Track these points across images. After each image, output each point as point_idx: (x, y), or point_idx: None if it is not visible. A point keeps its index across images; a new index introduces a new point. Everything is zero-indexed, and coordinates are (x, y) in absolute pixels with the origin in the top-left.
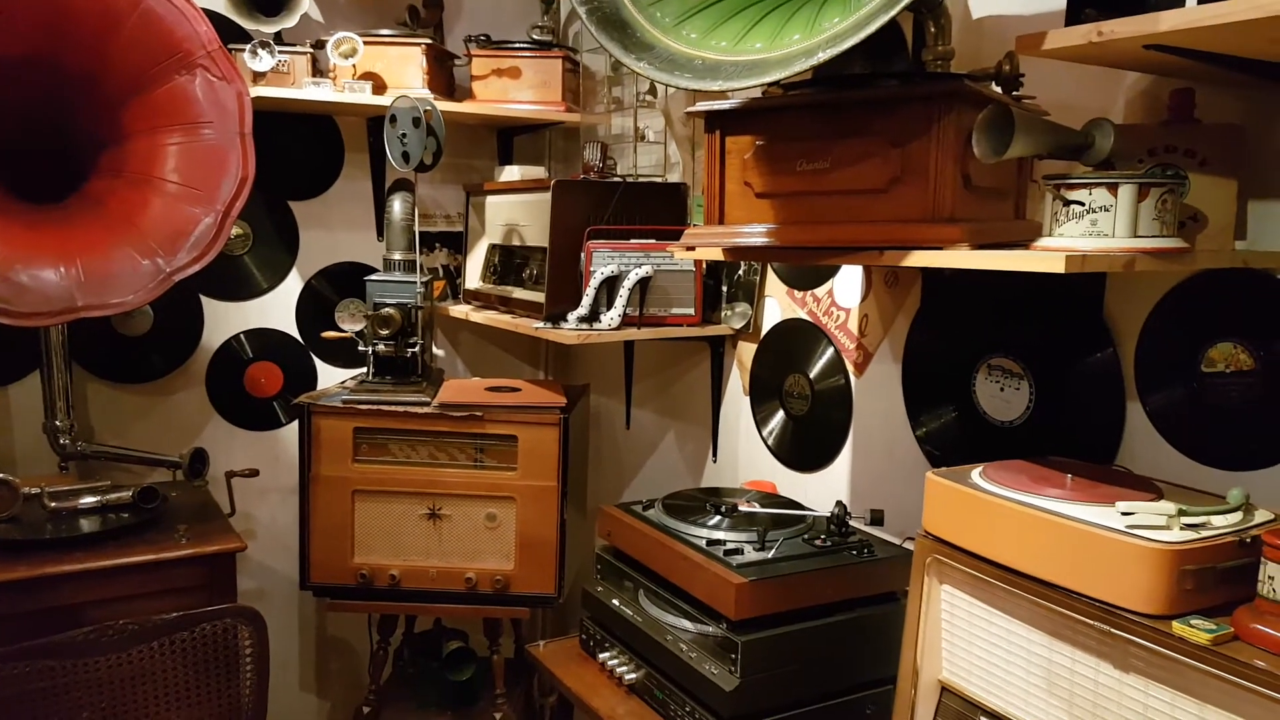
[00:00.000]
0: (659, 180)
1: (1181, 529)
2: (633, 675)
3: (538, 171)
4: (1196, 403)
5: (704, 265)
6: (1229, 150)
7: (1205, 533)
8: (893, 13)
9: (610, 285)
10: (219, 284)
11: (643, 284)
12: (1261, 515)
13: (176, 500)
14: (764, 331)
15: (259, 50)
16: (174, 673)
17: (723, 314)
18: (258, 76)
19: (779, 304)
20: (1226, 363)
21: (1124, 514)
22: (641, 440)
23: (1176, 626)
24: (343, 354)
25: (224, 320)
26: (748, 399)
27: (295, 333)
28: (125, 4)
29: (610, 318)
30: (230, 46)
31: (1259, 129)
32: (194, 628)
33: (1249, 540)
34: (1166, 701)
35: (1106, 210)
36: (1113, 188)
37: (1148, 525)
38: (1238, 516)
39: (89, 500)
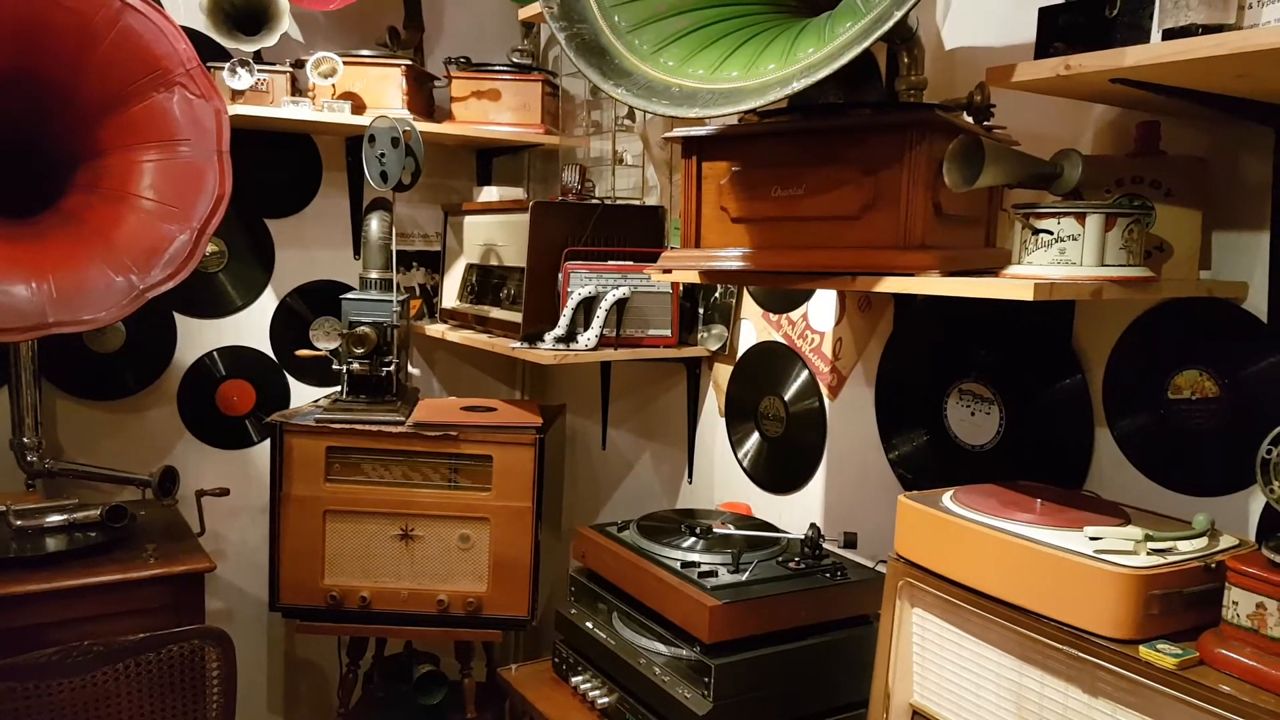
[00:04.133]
0: (637, 203)
1: (1148, 554)
2: (605, 699)
3: (516, 192)
4: (1163, 429)
5: (680, 287)
6: (1193, 182)
7: (1172, 558)
8: (866, 43)
9: (587, 306)
10: (193, 301)
11: (620, 305)
12: (1226, 541)
13: (145, 519)
14: (740, 354)
15: (238, 69)
16: (139, 695)
17: (699, 336)
18: (236, 95)
19: (754, 327)
20: (1192, 390)
21: (1092, 539)
22: (617, 461)
23: (1143, 651)
24: (317, 372)
25: (197, 338)
26: (723, 420)
27: (269, 351)
28: (103, 21)
29: (587, 338)
30: (209, 65)
31: (1222, 162)
32: (160, 649)
33: (1214, 565)
34: None
35: (1075, 239)
36: (1081, 217)
37: (1115, 550)
38: (1203, 542)
39: (56, 519)
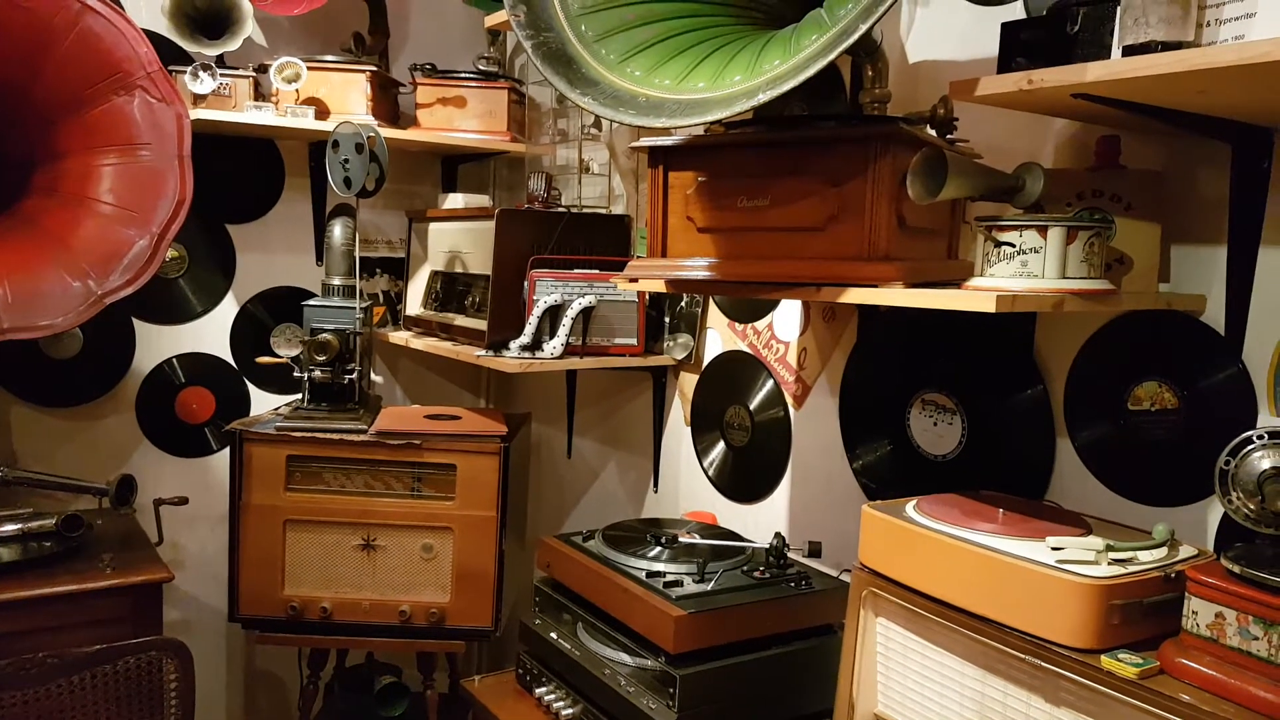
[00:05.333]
0: (603, 212)
1: (1109, 564)
2: (570, 710)
3: (482, 200)
4: (1123, 439)
5: (647, 296)
6: (1153, 196)
7: (1132, 568)
8: (831, 56)
9: (553, 314)
10: (152, 307)
11: (586, 314)
12: (1186, 551)
13: (102, 529)
14: (705, 363)
15: (200, 73)
16: (95, 708)
17: (665, 345)
18: (198, 99)
19: (720, 336)
20: (1152, 401)
21: (1054, 549)
22: (583, 470)
23: (1105, 660)
24: (278, 380)
25: (156, 344)
26: (689, 429)
27: (229, 358)
28: (62, 22)
29: (553, 346)
30: (171, 68)
31: (1180, 176)
32: (116, 661)
33: (1174, 575)
34: None
35: (1036, 252)
36: (1042, 230)
37: (1077, 560)
38: (1163, 552)
39: (9, 528)
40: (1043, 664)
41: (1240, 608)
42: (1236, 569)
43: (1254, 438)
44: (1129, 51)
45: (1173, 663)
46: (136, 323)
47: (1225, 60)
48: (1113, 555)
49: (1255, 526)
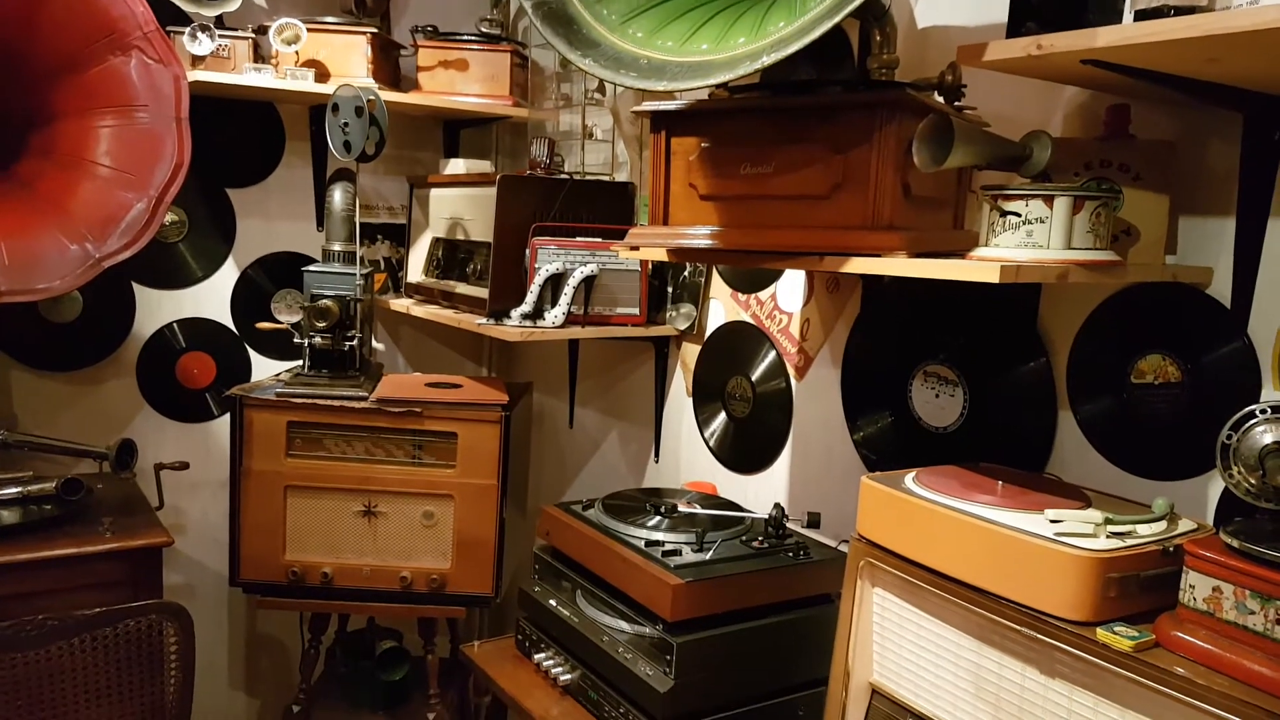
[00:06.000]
0: (606, 179)
1: (1107, 537)
2: (568, 676)
3: (484, 165)
4: (1125, 413)
5: (649, 265)
6: (1162, 166)
7: (1130, 541)
8: (837, 18)
9: (555, 283)
10: (152, 271)
11: (588, 282)
12: (1185, 525)
13: (102, 492)
14: (708, 333)
15: (199, 34)
16: (95, 670)
17: (667, 315)
18: (197, 60)
19: (723, 306)
20: (1155, 374)
21: (1052, 521)
22: (584, 440)
23: (1100, 633)
24: (278, 346)
25: (156, 309)
26: (690, 400)
27: (230, 323)
28: None
29: (554, 315)
30: (169, 29)
31: (1190, 146)
32: (117, 624)
33: (1172, 549)
34: (1090, 707)
35: (1042, 222)
36: (1049, 200)
37: (1075, 533)
38: (1162, 525)
39: (10, 491)
40: (1038, 636)
41: (1238, 582)
42: (1235, 543)
43: (1257, 412)
44: (1141, 16)
45: (1168, 636)
46: (136, 287)
47: (1239, 25)
48: (1111, 528)
49: (1256, 501)
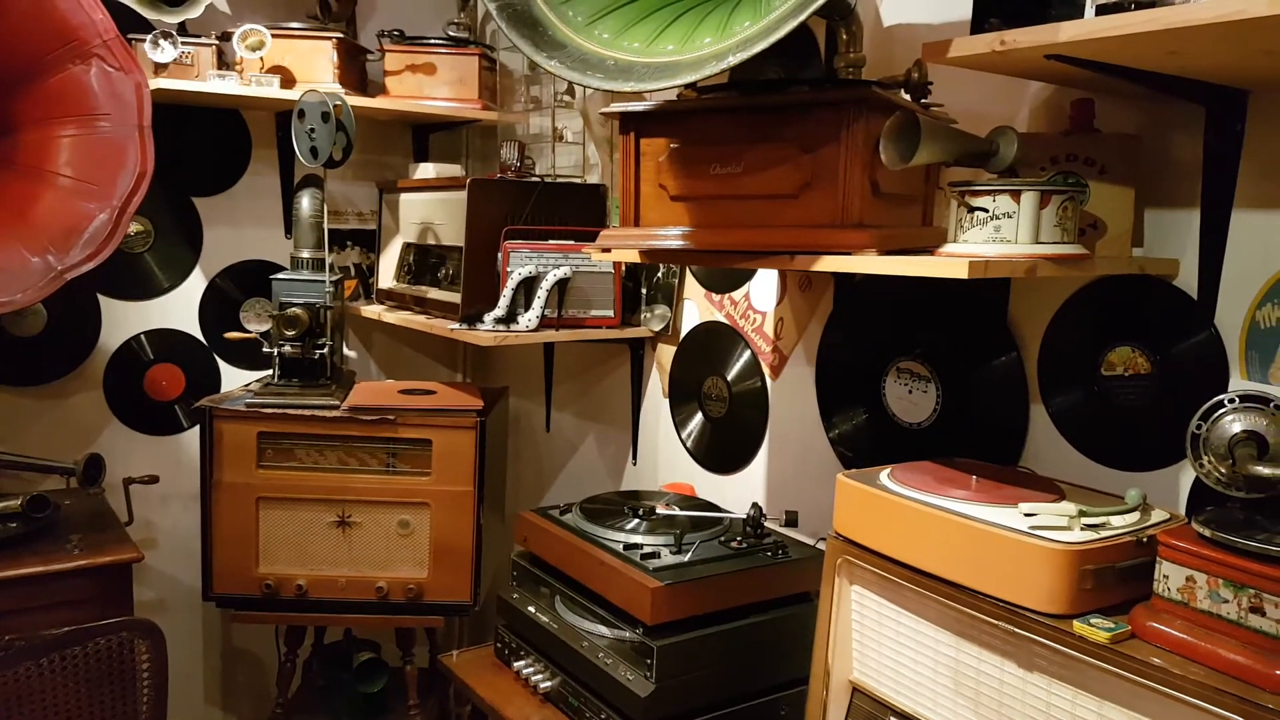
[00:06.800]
0: (577, 181)
1: (1082, 529)
2: (548, 683)
3: (454, 169)
4: (1097, 405)
5: (623, 267)
6: (1127, 160)
7: (1104, 533)
8: (802, 17)
9: (528, 286)
10: (117, 282)
11: (561, 285)
12: (1157, 515)
13: (70, 509)
14: (683, 334)
15: (160, 41)
16: (64, 691)
17: (642, 316)
18: (159, 68)
19: (697, 307)
20: (1125, 366)
21: (1026, 515)
22: (562, 443)
23: (1077, 625)
24: (248, 356)
25: (123, 320)
26: (667, 401)
27: (198, 333)
28: None
29: (528, 319)
30: (130, 37)
31: (1154, 139)
32: (86, 643)
33: (1145, 540)
34: (1068, 699)
35: (1009, 217)
36: (1016, 195)
37: (1049, 526)
38: (1135, 516)
39: None
40: (1016, 630)
41: (1211, 571)
42: (1207, 533)
43: (1225, 401)
44: (1102, 10)
45: (1144, 626)
46: (102, 299)
47: (1200, 18)
48: (1085, 520)
49: (1226, 490)
